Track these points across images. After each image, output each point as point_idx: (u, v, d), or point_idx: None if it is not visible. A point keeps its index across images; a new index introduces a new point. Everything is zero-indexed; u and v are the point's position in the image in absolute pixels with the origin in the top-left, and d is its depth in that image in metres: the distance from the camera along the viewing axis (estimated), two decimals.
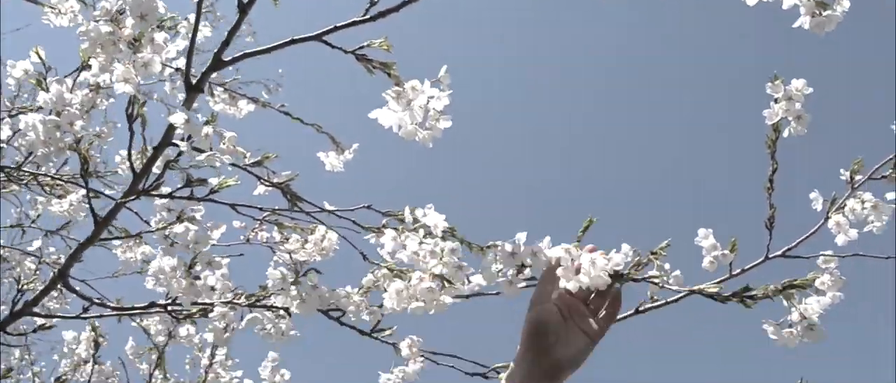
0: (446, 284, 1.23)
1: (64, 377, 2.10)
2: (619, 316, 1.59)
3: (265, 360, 1.96)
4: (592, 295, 0.94)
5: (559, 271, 0.97)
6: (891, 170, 1.44)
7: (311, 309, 1.30)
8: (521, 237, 1.17)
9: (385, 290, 1.27)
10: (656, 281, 1.03)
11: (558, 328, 0.88)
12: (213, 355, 2.05)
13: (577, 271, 0.99)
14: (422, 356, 1.45)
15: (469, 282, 1.24)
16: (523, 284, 1.23)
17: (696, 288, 1.54)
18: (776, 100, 1.39)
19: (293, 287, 1.32)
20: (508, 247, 1.15)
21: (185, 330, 1.87)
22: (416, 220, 1.30)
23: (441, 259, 1.22)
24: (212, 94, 2.25)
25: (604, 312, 0.93)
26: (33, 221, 2.43)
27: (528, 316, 0.92)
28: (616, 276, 1.02)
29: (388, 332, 1.45)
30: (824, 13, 0.99)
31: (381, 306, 1.44)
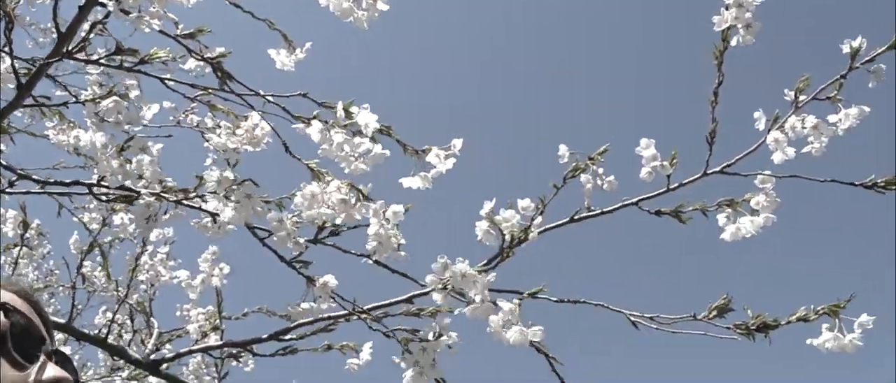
0: (361, 199, 1.22)
1: None
2: (554, 224, 1.60)
3: (205, 253, 1.94)
4: None
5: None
6: (835, 92, 1.42)
7: (241, 220, 1.26)
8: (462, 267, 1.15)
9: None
10: None
11: None
12: (144, 244, 2.02)
13: None
14: (332, 297, 1.43)
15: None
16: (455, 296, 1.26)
17: (629, 201, 1.55)
18: (727, 7, 1.36)
19: (229, 194, 1.28)
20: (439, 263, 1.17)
21: (119, 218, 1.84)
22: (348, 116, 1.26)
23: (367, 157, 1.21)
24: None
25: None
26: None
27: None
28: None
29: (306, 265, 1.43)
30: None
31: (310, 241, 1.41)
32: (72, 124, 1.67)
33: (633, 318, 1.47)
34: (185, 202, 1.28)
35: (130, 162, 1.24)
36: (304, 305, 1.42)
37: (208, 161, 1.47)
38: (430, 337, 1.27)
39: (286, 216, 1.23)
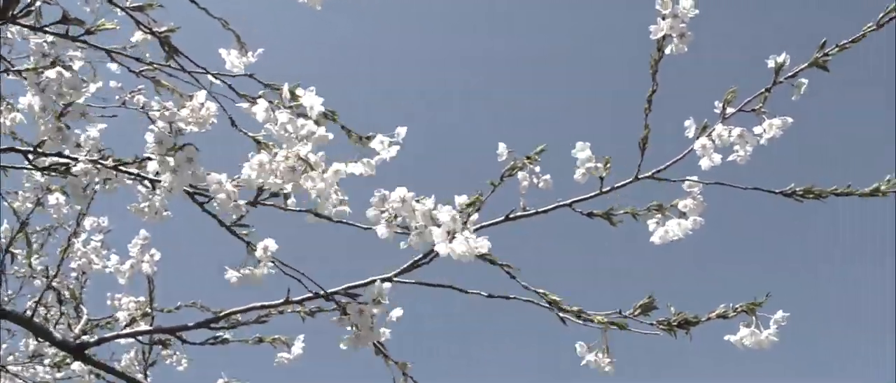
0: (309, 169, 1.23)
1: None
2: (490, 222, 1.63)
3: (136, 238, 1.92)
4: None
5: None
6: (760, 105, 1.50)
7: (181, 184, 1.26)
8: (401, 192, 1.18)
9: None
10: None
11: None
12: (78, 225, 1.99)
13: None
14: (271, 262, 1.43)
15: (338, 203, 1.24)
16: (398, 230, 1.25)
17: (564, 202, 1.60)
18: (663, 17, 1.43)
19: (169, 154, 1.27)
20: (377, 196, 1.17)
21: (54, 198, 1.81)
22: (294, 98, 1.28)
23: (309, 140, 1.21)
24: None
25: None
26: None
27: None
28: None
29: (246, 232, 1.44)
30: None
31: (250, 203, 1.42)
32: (9, 105, 1.64)
33: (561, 314, 1.51)
34: (122, 169, 1.27)
35: (69, 127, 1.23)
36: (245, 270, 1.42)
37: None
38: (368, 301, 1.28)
39: (225, 177, 1.24)
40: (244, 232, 1.43)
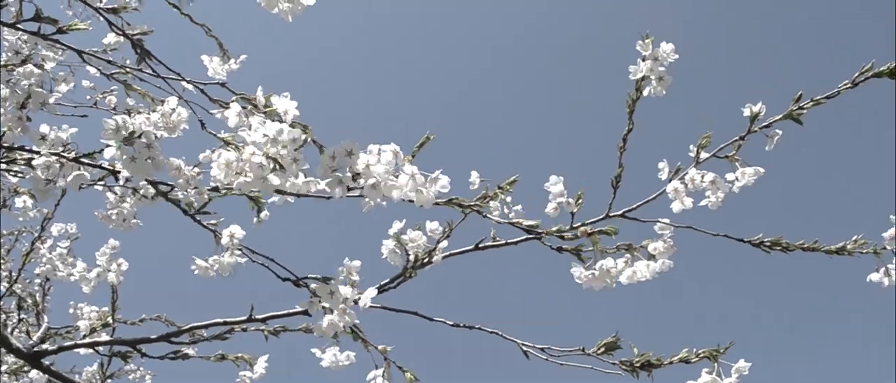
0: (277, 167, 1.21)
1: None
2: (459, 250, 1.62)
3: (104, 246, 1.90)
4: None
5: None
6: (733, 152, 1.50)
7: (140, 172, 1.24)
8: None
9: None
10: None
11: None
12: (43, 228, 1.96)
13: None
14: (239, 249, 1.42)
15: (301, 175, 1.21)
16: (354, 192, 1.22)
17: (534, 231, 1.59)
18: (643, 59, 1.44)
19: (125, 143, 1.24)
20: (330, 151, 1.13)
21: (21, 201, 1.79)
22: (268, 104, 1.27)
23: (280, 145, 1.19)
24: None
25: None
26: None
27: None
28: None
29: (213, 221, 1.42)
30: None
31: (212, 189, 1.41)
32: None
33: (524, 348, 1.50)
34: (85, 161, 1.25)
35: (30, 119, 1.22)
36: (212, 259, 1.40)
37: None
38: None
39: (182, 163, 1.22)
40: (211, 222, 1.41)
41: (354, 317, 1.24)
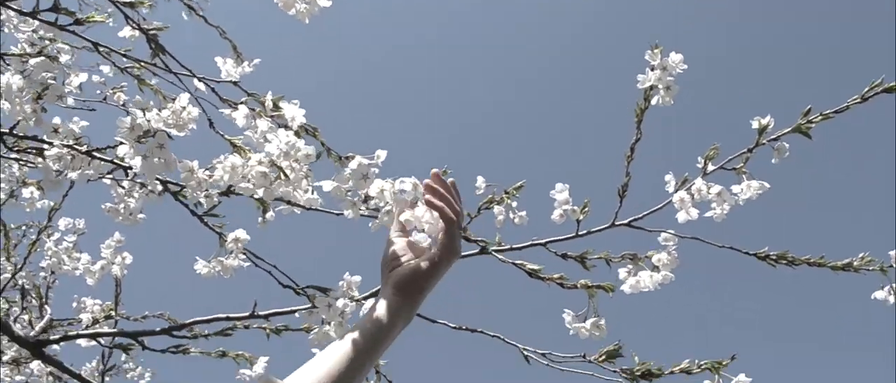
0: (282, 177, 1.21)
1: None
2: (464, 254, 1.62)
3: (109, 239, 1.91)
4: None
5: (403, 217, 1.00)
6: (741, 164, 1.51)
7: (152, 171, 1.24)
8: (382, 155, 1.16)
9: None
10: None
11: (402, 251, 0.96)
12: (50, 218, 1.97)
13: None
14: (243, 254, 1.42)
15: (308, 191, 1.22)
16: (364, 211, 1.23)
17: (539, 241, 1.59)
18: (652, 68, 1.44)
19: (139, 141, 1.25)
20: (355, 164, 1.13)
21: (29, 192, 1.79)
22: (276, 108, 1.27)
23: (292, 159, 1.19)
24: None
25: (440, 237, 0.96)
26: None
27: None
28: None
29: (219, 223, 1.43)
30: None
31: (221, 192, 1.41)
32: None
33: (526, 353, 1.50)
34: (96, 156, 1.25)
35: (45, 110, 1.22)
36: (215, 261, 1.40)
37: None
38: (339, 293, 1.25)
39: (195, 165, 1.22)
40: (217, 223, 1.42)
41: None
